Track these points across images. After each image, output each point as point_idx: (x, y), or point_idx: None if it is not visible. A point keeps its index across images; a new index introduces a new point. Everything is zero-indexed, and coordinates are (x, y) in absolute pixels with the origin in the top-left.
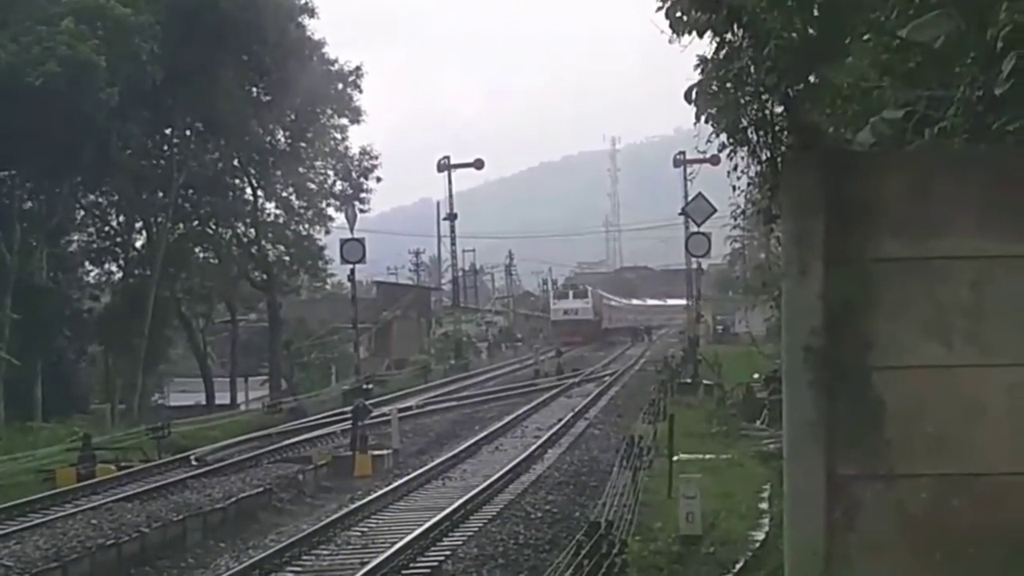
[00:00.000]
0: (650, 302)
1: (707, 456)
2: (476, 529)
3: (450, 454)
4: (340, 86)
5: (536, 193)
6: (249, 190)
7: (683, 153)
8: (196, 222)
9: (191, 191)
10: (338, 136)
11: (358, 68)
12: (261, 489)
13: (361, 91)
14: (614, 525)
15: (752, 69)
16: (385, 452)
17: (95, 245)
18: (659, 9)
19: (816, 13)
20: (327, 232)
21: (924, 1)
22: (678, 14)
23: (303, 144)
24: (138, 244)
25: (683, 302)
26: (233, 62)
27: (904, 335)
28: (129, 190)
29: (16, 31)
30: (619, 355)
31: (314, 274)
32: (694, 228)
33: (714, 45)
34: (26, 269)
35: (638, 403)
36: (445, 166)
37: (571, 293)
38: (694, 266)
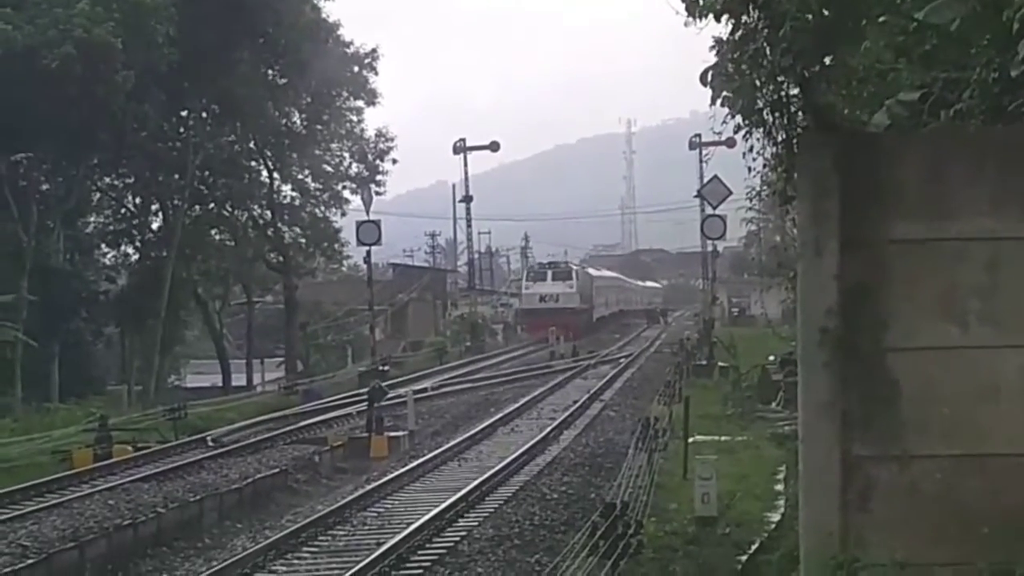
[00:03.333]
0: (638, 283)
1: (722, 438)
2: (492, 510)
3: (466, 435)
4: (356, 68)
5: (552, 176)
6: (265, 172)
7: (699, 135)
8: (212, 204)
9: (207, 173)
10: (354, 118)
11: (374, 50)
12: (277, 470)
13: (377, 73)
14: (629, 506)
15: (768, 51)
16: (401, 433)
17: (111, 227)
18: None
19: None
20: (343, 214)
21: None
22: None
23: (319, 126)
24: (154, 226)
25: (658, 285)
26: (249, 44)
27: (919, 316)
28: (145, 172)
29: (33, 13)
30: (635, 337)
31: (330, 256)
32: (710, 210)
33: (730, 27)
34: (43, 251)
35: (654, 385)
36: (461, 148)
37: (550, 273)
38: (710, 248)
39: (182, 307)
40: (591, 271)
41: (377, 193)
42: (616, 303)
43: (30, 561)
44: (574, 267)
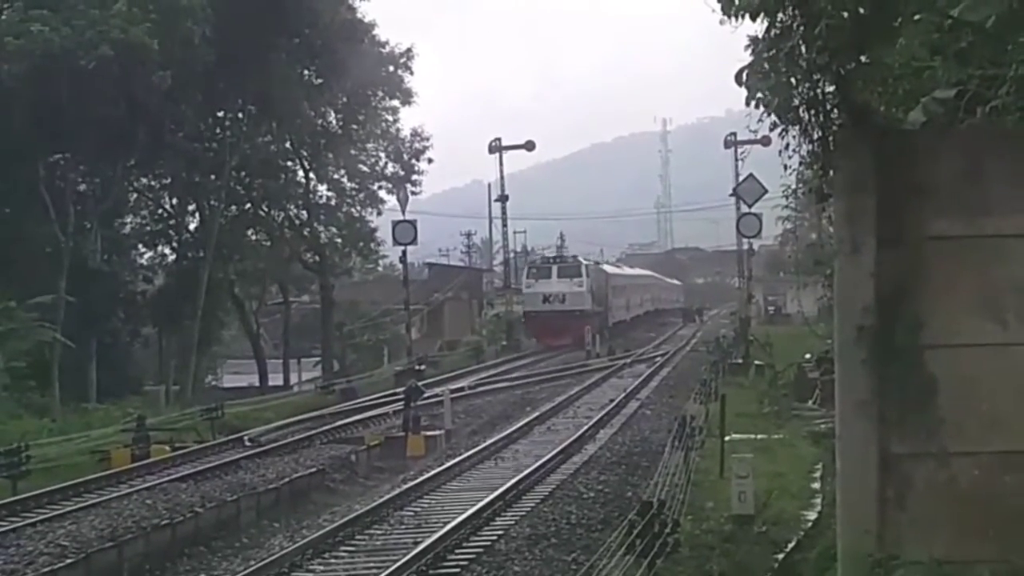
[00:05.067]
0: (667, 281)
1: (759, 436)
2: (528, 509)
3: (502, 434)
4: (391, 68)
5: (588, 174)
6: (301, 172)
7: (734, 134)
8: (249, 204)
9: (244, 174)
10: (389, 118)
11: (409, 50)
12: (314, 470)
13: (412, 73)
14: (666, 504)
15: (803, 49)
16: (437, 433)
17: (148, 228)
18: None
19: None
20: (379, 214)
21: None
22: None
23: (355, 126)
24: (191, 227)
25: (678, 283)
26: (285, 45)
27: (956, 314)
28: (182, 173)
29: (70, 15)
30: (670, 336)
31: (366, 256)
32: (745, 208)
33: (765, 25)
34: (80, 252)
35: (689, 383)
36: (497, 148)
37: (555, 269)
38: (745, 247)
39: (219, 307)
40: (607, 268)
41: (413, 192)
42: (640, 304)
43: (69, 561)
44: (584, 262)
